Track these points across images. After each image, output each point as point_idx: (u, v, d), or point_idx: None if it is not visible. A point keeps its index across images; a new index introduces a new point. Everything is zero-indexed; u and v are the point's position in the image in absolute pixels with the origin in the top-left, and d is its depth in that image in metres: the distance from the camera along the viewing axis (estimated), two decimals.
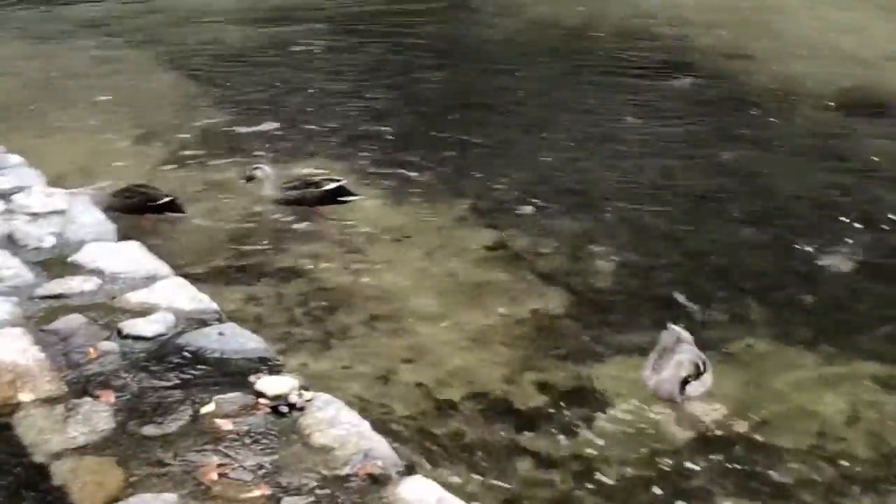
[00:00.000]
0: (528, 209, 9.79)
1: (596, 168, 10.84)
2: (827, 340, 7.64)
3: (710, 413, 6.90)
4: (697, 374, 6.88)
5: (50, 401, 5.99)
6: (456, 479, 6.25)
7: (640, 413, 6.94)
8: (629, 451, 6.66)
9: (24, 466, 5.53)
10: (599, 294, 8.39)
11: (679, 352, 6.88)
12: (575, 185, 10.42)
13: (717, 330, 7.90)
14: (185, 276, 7.39)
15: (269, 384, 6.24)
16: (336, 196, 9.83)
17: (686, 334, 7.19)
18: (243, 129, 11.36)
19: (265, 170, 9.85)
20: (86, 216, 8.25)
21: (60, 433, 5.70)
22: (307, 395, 6.28)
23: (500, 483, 6.34)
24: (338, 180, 9.99)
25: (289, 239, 9.04)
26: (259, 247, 9.00)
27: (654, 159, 11.02)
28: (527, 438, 6.73)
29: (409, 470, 6.06)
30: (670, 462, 6.54)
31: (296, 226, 9.34)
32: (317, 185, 9.93)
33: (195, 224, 9.28)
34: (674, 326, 7.28)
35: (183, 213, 9.92)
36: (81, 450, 5.62)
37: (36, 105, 11.71)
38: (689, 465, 6.55)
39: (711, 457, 6.59)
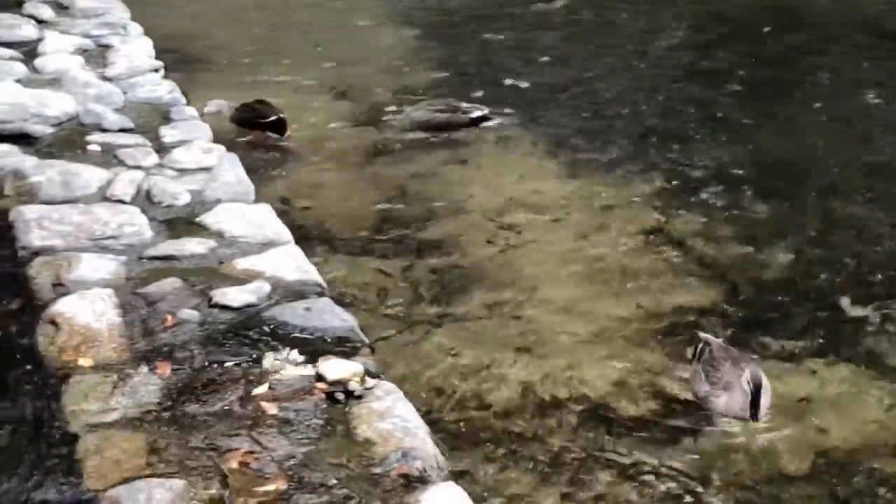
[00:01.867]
0: (716, 190, 8.99)
1: (815, 150, 9.93)
2: None
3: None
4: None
5: (107, 368, 5.90)
6: (517, 489, 5.75)
7: (752, 432, 6.23)
8: (734, 474, 5.96)
9: (56, 437, 5.41)
10: (759, 291, 7.65)
11: (744, 366, 6.15)
12: (784, 168, 9.57)
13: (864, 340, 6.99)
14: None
15: (331, 367, 5.95)
16: (479, 123, 9.92)
17: (715, 341, 6.45)
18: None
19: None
20: (229, 174, 8.16)
21: (102, 403, 5.59)
22: (370, 382, 5.95)
23: (570, 496, 5.80)
24: (482, 108, 10.08)
25: (438, 212, 8.61)
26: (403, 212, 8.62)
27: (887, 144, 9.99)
28: (616, 450, 6.13)
29: (457, 475, 5.68)
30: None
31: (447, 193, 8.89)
32: (463, 111, 10.03)
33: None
34: (703, 335, 6.53)
35: (283, 134, 10.13)
36: (115, 424, 5.47)
37: (252, 58, 11.71)
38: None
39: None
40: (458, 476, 5.84)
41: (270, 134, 10.20)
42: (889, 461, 6.11)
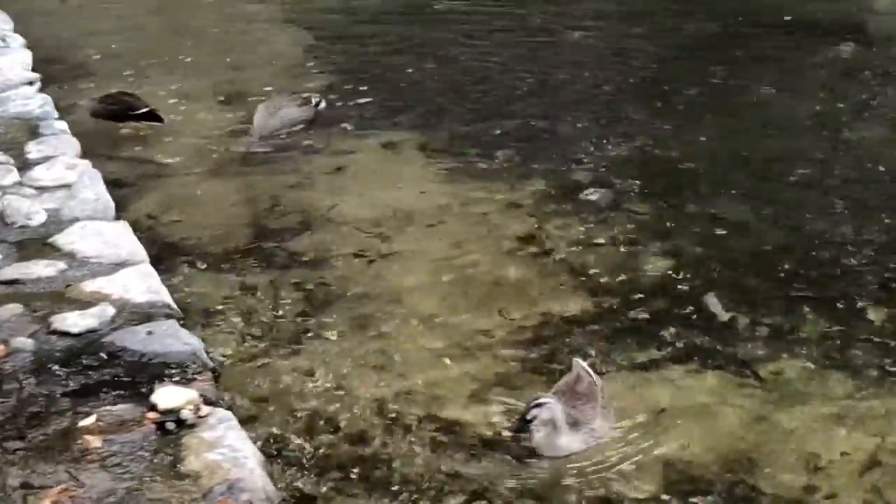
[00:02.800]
0: (597, 194, 8.83)
1: (706, 147, 9.78)
2: None
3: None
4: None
5: None
6: None
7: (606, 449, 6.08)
8: (585, 496, 5.81)
9: None
10: (630, 298, 7.49)
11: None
12: (671, 167, 9.45)
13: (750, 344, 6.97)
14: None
15: (163, 396, 5.77)
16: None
17: (585, 374, 6.27)
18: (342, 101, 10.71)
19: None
20: (88, 191, 7.95)
21: None
22: (205, 410, 5.75)
23: None
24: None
25: (309, 223, 8.40)
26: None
27: (776, 140, 9.86)
28: (468, 472, 5.94)
29: None
30: None
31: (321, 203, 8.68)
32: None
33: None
34: (580, 362, 6.35)
35: (161, 121, 10.01)
36: None
37: (143, 66, 11.45)
38: None
39: None
40: None
41: (150, 123, 10.04)
42: (747, 475, 5.92)
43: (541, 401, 5.91)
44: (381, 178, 9.16)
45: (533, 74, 11.31)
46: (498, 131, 10.02)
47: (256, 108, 9.86)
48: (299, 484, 5.79)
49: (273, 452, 5.98)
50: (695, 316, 7.33)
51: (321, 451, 6.08)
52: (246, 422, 6.07)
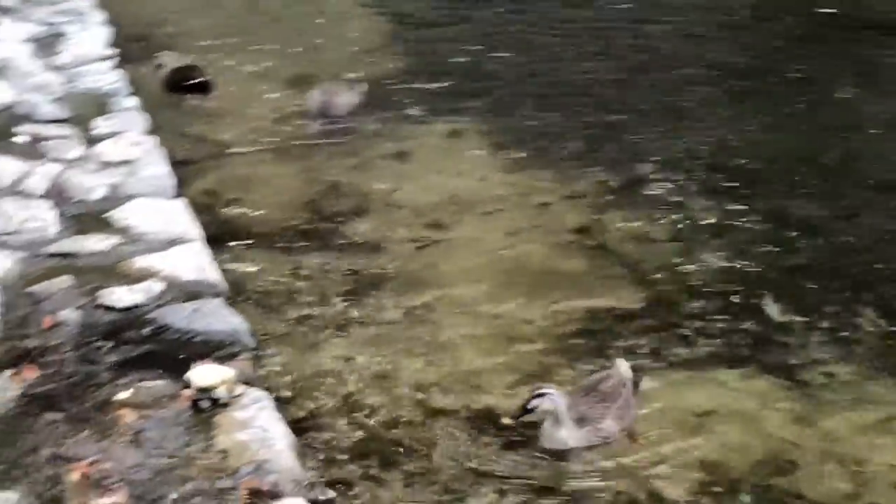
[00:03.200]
0: (661, 189, 8.73)
1: (777, 145, 9.58)
2: None
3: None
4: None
5: None
6: None
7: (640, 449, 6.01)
8: (616, 493, 5.75)
9: None
10: (683, 296, 7.39)
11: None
12: (739, 164, 9.27)
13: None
14: None
15: (200, 374, 5.81)
16: None
17: (616, 374, 6.18)
18: (410, 86, 10.69)
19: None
20: (150, 168, 8.02)
21: None
22: (239, 389, 5.78)
23: None
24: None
25: (367, 208, 8.39)
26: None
27: (853, 140, 9.65)
28: (500, 463, 5.91)
29: (330, 486, 5.51)
30: None
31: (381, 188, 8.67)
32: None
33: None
34: (621, 363, 6.25)
35: (208, 92, 10.27)
36: None
37: (219, 45, 11.52)
38: None
39: None
40: (332, 487, 5.64)
41: (197, 94, 10.25)
42: (787, 480, 5.83)
43: (543, 391, 5.87)
44: (443, 164, 9.13)
45: (608, 66, 11.17)
46: (567, 122, 9.90)
47: (310, 92, 9.80)
48: (331, 467, 5.73)
49: (307, 435, 5.93)
50: (749, 316, 7.19)
51: (356, 435, 6.06)
52: (283, 403, 6.09)
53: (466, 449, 6.03)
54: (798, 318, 7.20)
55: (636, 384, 6.17)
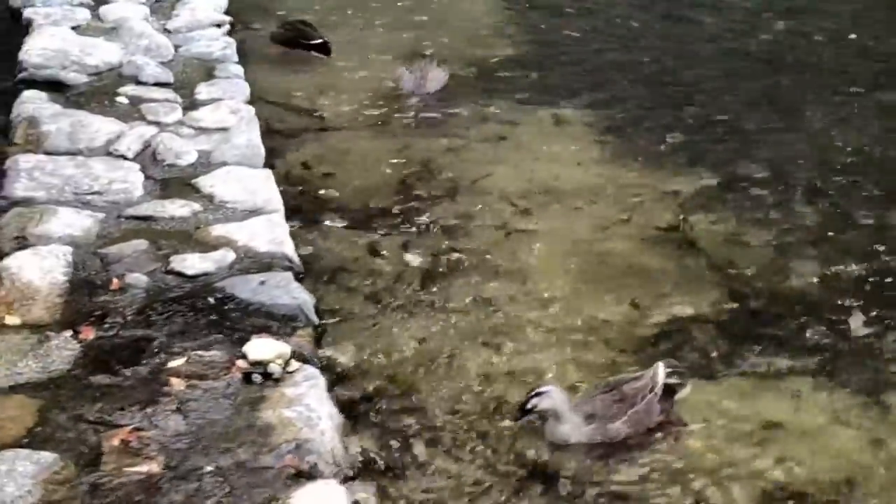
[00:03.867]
0: (764, 189, 8.47)
1: (891, 149, 9.20)
2: None
3: None
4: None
5: (32, 328, 5.87)
6: (422, 496, 5.48)
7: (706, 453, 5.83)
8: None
9: None
10: (768, 303, 7.15)
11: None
12: (851, 168, 8.95)
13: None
14: None
15: (255, 347, 5.82)
16: None
17: (647, 378, 5.97)
18: (521, 70, 10.56)
19: None
20: (242, 136, 8.06)
21: (12, 366, 5.49)
22: (293, 365, 5.76)
23: None
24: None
25: (458, 190, 8.30)
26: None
27: None
28: (558, 462, 5.81)
29: (379, 474, 5.47)
30: None
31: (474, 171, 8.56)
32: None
33: None
34: (659, 366, 6.04)
35: (328, 54, 10.46)
36: (15, 388, 5.38)
37: (334, 17, 11.53)
38: None
39: None
40: (382, 475, 5.58)
41: (316, 54, 10.42)
42: (849, 502, 5.57)
43: (541, 390, 5.78)
44: (541, 151, 9.00)
45: (724, 64, 10.87)
46: (676, 118, 9.66)
47: (399, 72, 9.79)
48: (379, 453, 5.66)
49: (361, 417, 5.87)
50: (834, 329, 6.92)
51: (411, 422, 5.96)
52: (339, 382, 6.05)
53: (523, 447, 5.86)
54: (887, 335, 6.85)
55: (672, 391, 5.97)
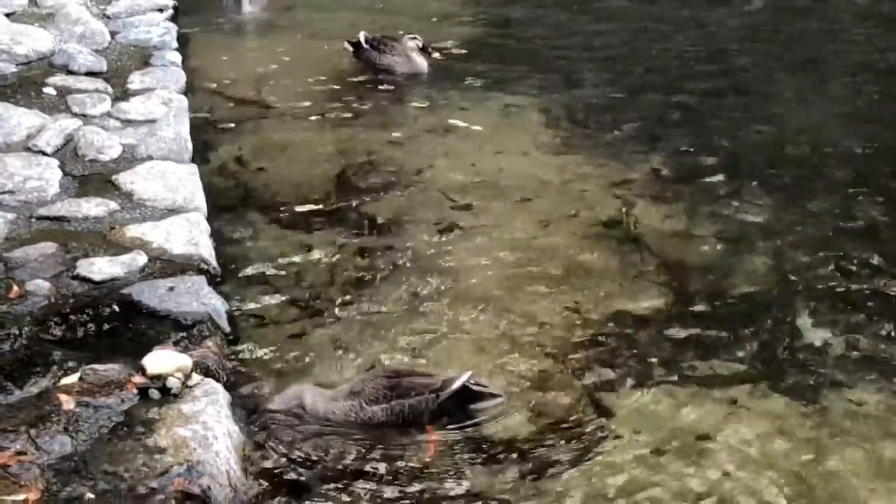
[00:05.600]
0: (717, 180, 8.13)
1: (855, 139, 8.89)
2: None
3: None
4: None
5: None
6: None
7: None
8: None
9: None
10: (715, 302, 6.84)
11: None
12: (813, 158, 8.66)
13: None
14: None
15: (155, 360, 5.50)
16: None
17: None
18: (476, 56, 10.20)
19: None
20: (169, 129, 7.72)
21: None
22: (195, 379, 5.44)
23: None
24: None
25: (398, 185, 7.97)
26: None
27: None
28: (478, 478, 5.48)
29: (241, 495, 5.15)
30: None
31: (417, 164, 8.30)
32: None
33: None
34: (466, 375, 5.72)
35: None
36: None
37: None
38: None
39: None
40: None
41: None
42: None
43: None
44: (489, 142, 8.70)
45: (692, 47, 10.52)
46: (634, 105, 9.32)
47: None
48: (284, 474, 5.34)
49: (264, 433, 5.54)
50: (781, 330, 6.59)
51: (322, 438, 5.62)
52: (244, 396, 5.72)
53: (439, 464, 5.55)
54: (835, 337, 6.53)
55: (476, 398, 5.76)
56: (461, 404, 5.72)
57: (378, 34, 9.66)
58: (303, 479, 5.39)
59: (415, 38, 9.39)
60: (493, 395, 5.79)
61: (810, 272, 7.21)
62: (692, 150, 8.61)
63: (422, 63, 9.35)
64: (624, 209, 7.80)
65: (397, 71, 9.26)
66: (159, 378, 5.36)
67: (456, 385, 5.65)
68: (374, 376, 5.78)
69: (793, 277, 7.16)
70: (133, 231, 6.56)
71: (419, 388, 5.66)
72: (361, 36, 9.30)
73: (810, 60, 10.26)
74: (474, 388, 5.76)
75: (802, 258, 7.35)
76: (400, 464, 5.43)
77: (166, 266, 6.26)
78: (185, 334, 5.74)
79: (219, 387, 5.39)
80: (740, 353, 6.47)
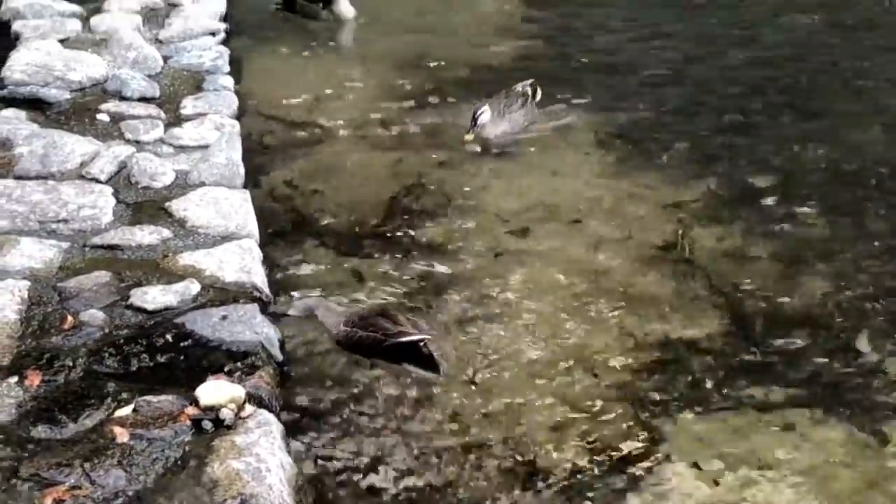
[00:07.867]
0: (773, 201, 8.05)
1: None
2: None
3: None
4: None
5: None
6: None
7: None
8: None
9: None
10: (772, 326, 6.75)
11: None
12: (870, 179, 8.54)
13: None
14: None
15: (207, 391, 5.47)
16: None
17: None
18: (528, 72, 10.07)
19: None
20: (221, 155, 7.70)
21: None
22: (248, 410, 5.42)
23: None
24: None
25: (449, 209, 7.95)
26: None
27: None
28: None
29: None
30: None
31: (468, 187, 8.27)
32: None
33: None
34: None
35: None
36: None
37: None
38: None
39: None
40: None
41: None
42: None
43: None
44: (540, 163, 8.57)
45: (746, 66, 10.41)
46: (687, 124, 9.24)
47: (478, 107, 9.03)
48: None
49: (322, 468, 5.52)
50: (839, 354, 6.50)
51: (373, 473, 5.59)
52: (301, 429, 5.70)
53: (499, 494, 5.50)
54: (891, 362, 6.42)
55: None
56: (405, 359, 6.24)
57: None
58: None
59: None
60: (434, 367, 6.21)
61: (869, 293, 7.08)
62: (747, 169, 8.49)
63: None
64: (678, 231, 7.67)
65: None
66: (212, 409, 5.33)
67: (401, 339, 6.21)
68: (368, 308, 6.48)
69: (851, 299, 7.02)
70: (186, 259, 6.55)
71: (379, 329, 6.22)
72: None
73: (865, 77, 10.05)
74: (423, 350, 6.24)
75: (861, 279, 7.22)
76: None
77: (219, 294, 6.24)
78: (237, 364, 5.69)
79: (272, 417, 5.36)
80: (798, 378, 6.35)
